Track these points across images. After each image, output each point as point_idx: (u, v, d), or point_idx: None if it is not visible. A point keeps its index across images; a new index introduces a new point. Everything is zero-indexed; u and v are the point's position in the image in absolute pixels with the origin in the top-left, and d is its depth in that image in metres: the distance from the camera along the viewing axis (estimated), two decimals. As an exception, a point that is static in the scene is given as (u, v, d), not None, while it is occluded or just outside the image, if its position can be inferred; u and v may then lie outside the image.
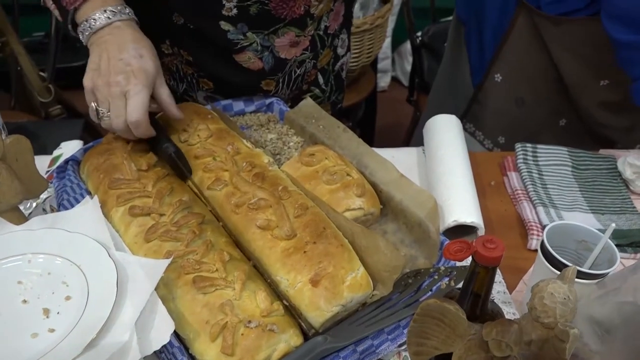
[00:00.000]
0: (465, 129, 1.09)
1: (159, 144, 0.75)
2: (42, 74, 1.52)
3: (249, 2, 0.85)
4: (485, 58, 1.11)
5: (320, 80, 1.05)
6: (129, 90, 0.70)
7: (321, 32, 0.97)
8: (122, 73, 0.70)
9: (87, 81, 0.73)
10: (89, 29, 0.73)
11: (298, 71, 0.99)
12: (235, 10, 0.86)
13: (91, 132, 1.56)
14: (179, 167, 0.74)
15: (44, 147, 1.00)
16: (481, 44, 1.12)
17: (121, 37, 0.72)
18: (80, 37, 0.75)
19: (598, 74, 0.95)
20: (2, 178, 0.64)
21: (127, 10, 0.75)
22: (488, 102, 1.13)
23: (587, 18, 0.89)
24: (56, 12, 0.78)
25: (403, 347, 0.62)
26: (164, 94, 0.75)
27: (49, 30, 2.60)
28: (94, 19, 0.73)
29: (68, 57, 2.59)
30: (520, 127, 1.11)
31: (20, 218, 0.67)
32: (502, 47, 1.06)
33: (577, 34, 0.92)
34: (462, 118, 1.20)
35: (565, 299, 0.45)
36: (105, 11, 0.73)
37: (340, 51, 1.07)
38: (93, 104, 0.73)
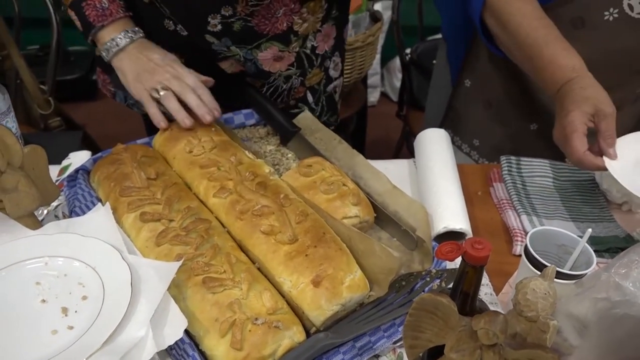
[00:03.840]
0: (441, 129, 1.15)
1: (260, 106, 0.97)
2: (42, 86, 1.56)
3: (232, 20, 0.91)
4: (459, 67, 1.18)
5: (310, 98, 1.09)
6: (181, 73, 0.86)
7: (308, 51, 1.02)
8: (166, 65, 0.86)
9: (137, 90, 0.86)
10: (115, 46, 0.87)
11: (284, 86, 1.03)
12: (219, 27, 0.91)
13: (90, 144, 1.60)
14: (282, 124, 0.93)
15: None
16: (456, 54, 1.19)
17: (146, 46, 0.89)
18: (104, 54, 0.88)
19: None
20: (21, 185, 0.67)
21: (141, 31, 0.90)
22: (461, 107, 1.20)
23: None
24: (77, 23, 0.89)
25: (398, 344, 0.66)
26: None
27: (43, 44, 2.65)
28: (120, 38, 0.87)
29: (62, 70, 2.63)
30: (491, 130, 1.16)
31: (35, 223, 0.71)
32: (468, 54, 1.13)
33: None
34: (441, 125, 1.26)
35: (545, 294, 0.50)
36: (127, 32, 0.88)
37: (333, 73, 1.10)
38: (156, 110, 0.86)
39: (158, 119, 0.86)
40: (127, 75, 0.87)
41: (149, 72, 0.85)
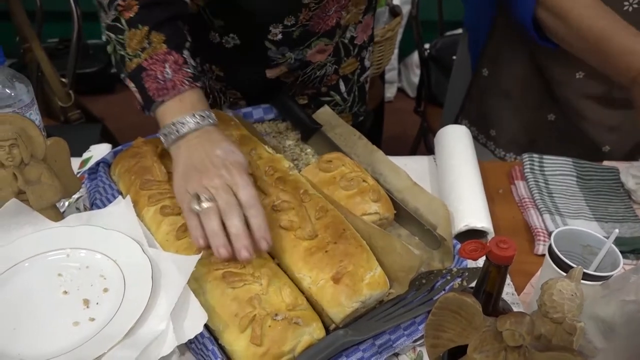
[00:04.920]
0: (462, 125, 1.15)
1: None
2: (62, 79, 1.57)
3: (293, 28, 0.90)
4: (478, 56, 1.17)
5: (342, 87, 1.08)
6: (237, 182, 0.66)
7: (346, 41, 1.01)
8: (223, 167, 0.66)
9: (178, 191, 0.68)
10: (175, 132, 0.69)
11: (318, 73, 1.02)
12: (280, 36, 0.90)
13: (109, 136, 1.61)
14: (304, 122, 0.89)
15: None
16: (476, 44, 1.17)
17: (211, 137, 0.70)
18: (162, 139, 0.72)
19: (572, 65, 0.99)
20: (44, 177, 0.68)
21: (213, 115, 0.72)
22: (478, 96, 1.19)
23: None
24: (137, 95, 0.74)
25: (418, 343, 0.66)
26: None
27: (62, 37, 2.68)
28: (182, 123, 0.69)
29: (82, 63, 2.66)
30: (508, 120, 1.16)
31: (57, 215, 0.72)
32: (487, 43, 1.12)
33: None
34: (458, 115, 1.25)
35: (572, 295, 0.49)
36: (194, 115, 0.70)
37: (367, 63, 1.11)
38: (196, 223, 0.65)
39: (196, 235, 0.64)
40: (176, 168, 0.69)
41: (199, 171, 0.67)
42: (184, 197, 0.67)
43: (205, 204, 0.64)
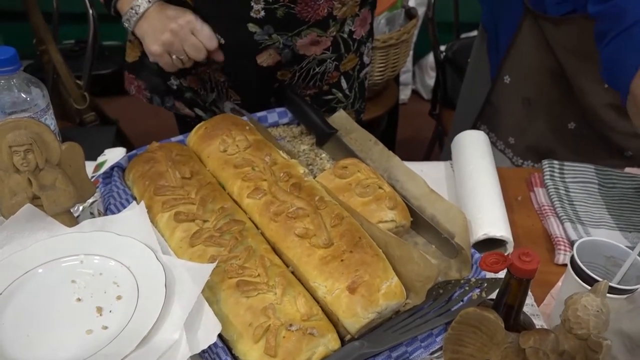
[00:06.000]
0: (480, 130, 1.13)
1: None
2: (77, 81, 1.58)
3: (275, 5, 0.90)
4: (499, 62, 1.15)
5: (344, 84, 1.08)
6: (193, 26, 0.89)
7: (345, 35, 1.01)
8: (175, 20, 0.89)
9: (155, 47, 0.91)
10: (135, 15, 0.90)
11: (317, 69, 1.02)
12: (262, 13, 0.91)
13: (122, 139, 1.61)
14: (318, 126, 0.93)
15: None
16: (497, 49, 1.16)
17: (162, 7, 0.90)
18: (126, 24, 0.92)
19: (600, 74, 0.97)
20: (59, 182, 0.68)
21: None
22: (498, 103, 1.18)
23: (583, 16, 0.92)
24: None
25: (435, 355, 0.64)
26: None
27: (78, 38, 2.70)
28: (137, 5, 0.89)
29: (97, 65, 2.68)
30: (528, 128, 1.14)
31: (72, 220, 0.71)
32: (510, 50, 1.10)
33: (576, 33, 0.95)
34: (477, 120, 1.23)
35: (598, 311, 0.48)
36: None
37: (366, 59, 1.11)
38: (172, 58, 0.92)
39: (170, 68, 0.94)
40: (146, 41, 0.91)
41: (162, 29, 0.89)
42: (163, 59, 0.93)
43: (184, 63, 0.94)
